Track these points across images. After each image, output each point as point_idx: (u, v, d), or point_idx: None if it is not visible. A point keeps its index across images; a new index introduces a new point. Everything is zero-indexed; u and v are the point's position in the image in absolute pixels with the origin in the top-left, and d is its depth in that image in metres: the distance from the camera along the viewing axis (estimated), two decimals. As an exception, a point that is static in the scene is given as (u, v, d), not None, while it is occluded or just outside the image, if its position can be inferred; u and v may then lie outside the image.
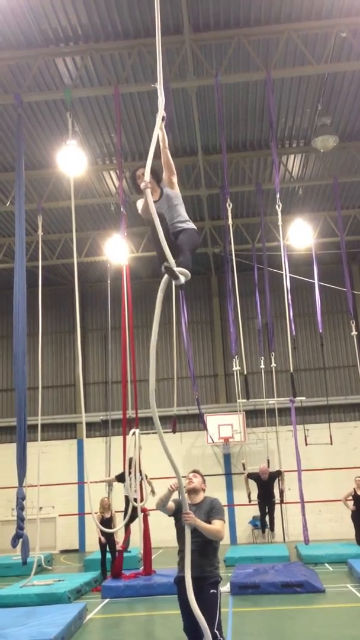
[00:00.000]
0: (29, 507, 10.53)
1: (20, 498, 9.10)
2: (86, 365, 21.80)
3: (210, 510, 5.26)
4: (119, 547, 11.89)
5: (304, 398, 18.64)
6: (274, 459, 17.97)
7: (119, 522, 12.61)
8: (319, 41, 11.77)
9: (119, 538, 12.94)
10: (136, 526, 11.93)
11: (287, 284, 13.99)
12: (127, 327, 12.19)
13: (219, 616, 5.06)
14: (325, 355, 20.08)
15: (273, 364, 16.60)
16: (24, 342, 9.84)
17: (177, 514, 5.26)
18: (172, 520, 5.39)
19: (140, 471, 11.56)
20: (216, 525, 5.16)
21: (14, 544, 9.05)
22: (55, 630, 7.39)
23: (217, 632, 4.89)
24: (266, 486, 14.85)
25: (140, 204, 5.05)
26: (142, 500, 11.74)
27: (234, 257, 14.74)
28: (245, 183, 16.77)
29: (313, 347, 21.13)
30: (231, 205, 13.68)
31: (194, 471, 5.63)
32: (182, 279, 4.45)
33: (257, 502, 15.21)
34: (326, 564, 13.38)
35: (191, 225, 5.00)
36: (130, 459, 11.33)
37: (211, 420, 19.22)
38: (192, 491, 5.43)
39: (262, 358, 17.74)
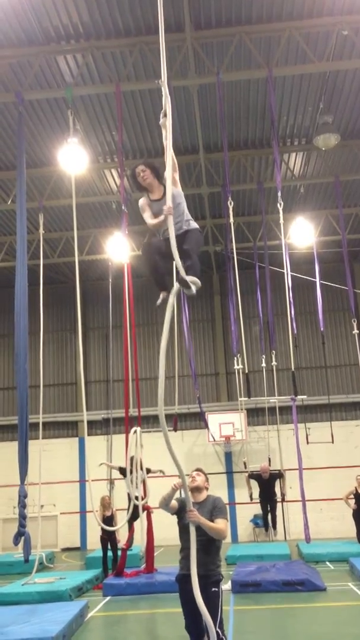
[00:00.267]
0: (30, 505, 10.56)
1: (22, 496, 9.10)
2: (87, 364, 21.79)
3: (214, 509, 5.26)
4: (123, 545, 11.89)
5: (305, 396, 18.67)
6: (275, 458, 17.97)
7: (121, 520, 12.60)
8: (321, 39, 11.75)
9: (121, 536, 12.96)
10: (137, 524, 11.92)
11: (288, 282, 14.00)
12: (129, 325, 12.20)
13: (221, 614, 5.07)
14: (326, 353, 20.06)
15: (274, 362, 16.59)
16: (25, 341, 9.83)
17: (180, 512, 5.27)
18: (173, 518, 5.40)
19: (142, 468, 11.57)
20: (220, 524, 5.17)
21: (15, 541, 9.06)
22: (56, 628, 7.39)
23: (218, 630, 4.89)
24: (267, 485, 14.87)
25: (142, 203, 5.07)
26: (143, 498, 11.74)
27: (235, 255, 14.75)
28: (246, 181, 16.76)
29: (314, 345, 21.13)
30: (232, 203, 13.68)
31: (197, 469, 5.64)
32: (194, 289, 4.58)
33: (258, 501, 15.22)
34: (327, 563, 13.38)
35: (194, 224, 5.03)
36: (132, 458, 11.33)
37: (212, 419, 19.23)
38: (195, 489, 5.44)
39: (264, 356, 17.75)
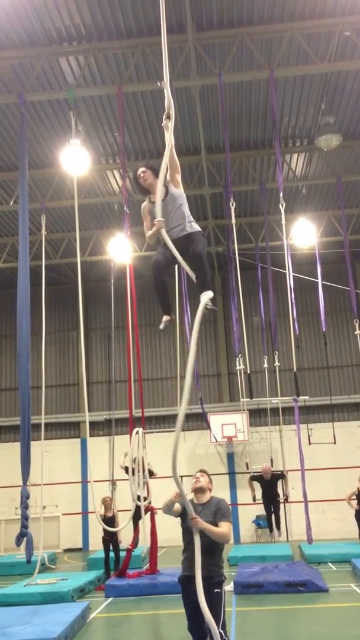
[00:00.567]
0: (32, 506, 10.55)
1: (24, 497, 9.10)
2: (89, 365, 21.81)
3: (217, 511, 5.25)
4: (128, 545, 11.89)
5: (307, 397, 18.62)
6: (278, 458, 17.98)
7: (122, 521, 12.59)
8: (322, 40, 11.75)
9: (122, 536, 12.96)
10: (141, 525, 11.92)
11: (290, 283, 13.98)
12: (132, 326, 12.21)
13: (223, 615, 5.06)
14: (328, 354, 20.07)
15: (276, 363, 16.59)
16: (27, 341, 9.83)
17: (183, 514, 5.27)
18: (176, 519, 5.40)
19: (144, 470, 11.57)
20: (223, 528, 5.16)
21: (18, 542, 9.06)
22: (58, 629, 7.40)
23: (221, 631, 4.89)
24: (270, 486, 14.86)
25: (143, 211, 5.10)
26: (145, 499, 11.74)
27: (237, 256, 14.74)
28: (248, 182, 16.76)
29: (316, 346, 21.12)
30: (234, 204, 13.68)
31: (201, 471, 5.64)
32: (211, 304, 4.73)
33: (261, 502, 15.22)
34: (330, 564, 13.37)
35: (196, 226, 5.06)
36: (134, 459, 11.34)
37: (214, 420, 19.22)
38: (199, 490, 5.44)
39: (266, 357, 17.74)
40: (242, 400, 17.22)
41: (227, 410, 20.23)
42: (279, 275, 17.13)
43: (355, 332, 15.99)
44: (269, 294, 16.50)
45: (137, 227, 17.56)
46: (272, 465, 16.24)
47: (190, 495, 5.39)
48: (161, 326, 5.04)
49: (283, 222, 12.92)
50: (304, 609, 9.17)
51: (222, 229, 18.75)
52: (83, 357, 11.17)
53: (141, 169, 5.11)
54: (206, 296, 4.72)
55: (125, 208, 12.76)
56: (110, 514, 12.83)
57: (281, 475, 14.98)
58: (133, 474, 11.24)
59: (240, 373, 17.01)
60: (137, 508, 11.22)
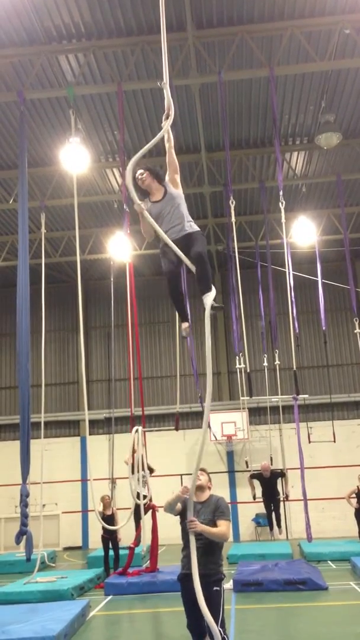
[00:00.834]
0: (32, 504, 10.56)
1: (24, 495, 9.11)
2: (89, 363, 21.82)
3: (216, 510, 5.25)
4: (130, 544, 11.90)
5: (307, 395, 18.64)
6: (277, 457, 17.99)
7: (121, 519, 12.61)
8: (323, 38, 11.74)
9: (122, 535, 12.98)
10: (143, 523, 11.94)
11: (290, 281, 13.98)
12: (132, 324, 12.21)
13: (223, 613, 5.07)
14: (328, 352, 20.07)
15: (276, 362, 16.59)
16: (27, 340, 9.84)
17: (183, 513, 5.28)
18: (176, 518, 5.40)
19: (144, 468, 11.58)
20: (222, 527, 5.15)
21: (17, 540, 9.08)
22: (58, 627, 7.40)
23: (220, 629, 4.89)
24: (270, 484, 14.86)
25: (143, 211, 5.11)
26: (148, 499, 11.74)
27: (237, 254, 14.74)
28: (248, 180, 16.75)
29: (316, 344, 21.12)
30: (234, 202, 13.68)
31: (201, 469, 5.63)
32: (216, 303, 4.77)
33: (261, 500, 15.22)
34: (329, 562, 13.38)
35: (195, 226, 5.09)
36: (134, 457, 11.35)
37: (214, 418, 19.21)
38: (199, 489, 5.44)
39: (265, 355, 17.75)
40: (242, 398, 17.22)
41: (227, 408, 20.23)
42: (279, 274, 17.13)
43: (355, 331, 15.99)
44: (269, 293, 16.49)
45: (137, 225, 17.48)
46: (271, 464, 16.23)
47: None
48: (183, 333, 5.30)
49: (283, 220, 12.91)
50: (304, 607, 9.18)
51: (222, 228, 18.74)
52: (83, 356, 11.18)
53: (139, 171, 5.11)
54: (210, 297, 4.73)
55: (125, 206, 12.75)
56: (109, 512, 12.84)
57: (281, 474, 14.98)
58: (133, 472, 11.25)
59: (240, 371, 17.01)
60: (138, 506, 11.22)
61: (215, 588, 5.05)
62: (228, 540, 5.26)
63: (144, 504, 11.50)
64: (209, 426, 18.63)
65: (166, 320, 21.80)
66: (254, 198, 17.77)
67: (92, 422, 20.77)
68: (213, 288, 4.84)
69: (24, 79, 12.18)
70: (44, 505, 14.52)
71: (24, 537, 9.02)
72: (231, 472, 20.35)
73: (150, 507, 11.95)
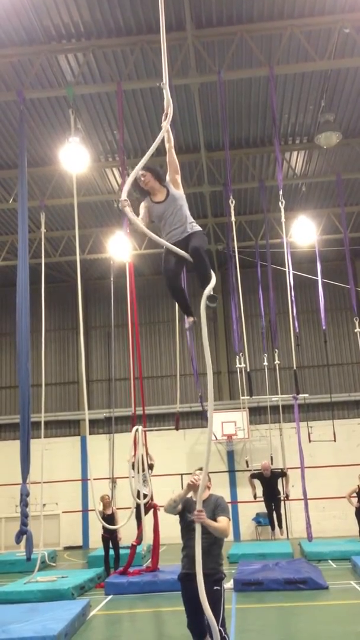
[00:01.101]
0: (32, 504, 10.56)
1: (24, 495, 9.12)
2: (89, 362, 21.82)
3: (216, 508, 5.27)
4: (133, 542, 11.91)
5: (307, 395, 18.67)
6: (278, 456, 17.98)
7: (121, 519, 12.62)
8: (322, 37, 11.73)
9: (122, 534, 12.98)
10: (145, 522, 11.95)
11: (290, 280, 13.97)
12: (132, 324, 12.21)
13: (223, 613, 5.07)
14: (328, 352, 20.07)
15: (277, 361, 16.59)
16: (27, 340, 9.84)
17: (182, 512, 5.28)
18: (176, 517, 5.40)
19: (144, 468, 11.59)
20: (223, 523, 5.17)
21: (17, 540, 9.08)
22: (58, 626, 7.40)
23: (221, 628, 4.89)
24: (270, 483, 14.85)
25: (142, 209, 5.12)
26: (149, 498, 11.74)
27: (237, 254, 14.73)
28: (248, 180, 16.75)
29: (316, 344, 21.12)
30: (234, 202, 13.68)
31: (200, 468, 5.63)
32: (216, 302, 4.75)
33: (262, 500, 15.22)
34: (330, 561, 13.38)
35: (197, 227, 5.10)
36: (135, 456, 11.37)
37: (215, 418, 19.20)
38: (197, 488, 5.44)
39: (266, 355, 17.75)
40: (242, 398, 17.22)
41: (227, 408, 20.23)
42: (279, 273, 17.12)
43: (355, 330, 15.98)
44: (269, 292, 16.49)
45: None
46: (272, 463, 16.23)
47: (190, 493, 5.39)
48: (186, 326, 5.33)
49: (283, 219, 12.91)
50: (304, 607, 9.18)
51: (221, 227, 18.74)
52: (83, 355, 11.19)
53: (141, 172, 5.11)
54: (209, 287, 4.69)
55: (124, 206, 12.72)
56: (109, 512, 12.85)
57: (282, 473, 14.98)
58: (135, 469, 11.26)
59: (240, 371, 17.01)
60: (139, 505, 11.23)
61: (215, 587, 5.06)
62: (228, 536, 5.27)
63: (145, 503, 11.51)
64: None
65: (166, 319, 21.79)
66: (253, 197, 17.76)
67: (92, 422, 20.77)
68: (213, 276, 4.79)
69: (23, 79, 12.18)
70: (44, 505, 14.51)
71: (24, 536, 9.03)
72: (231, 471, 20.36)
73: (152, 506, 11.96)
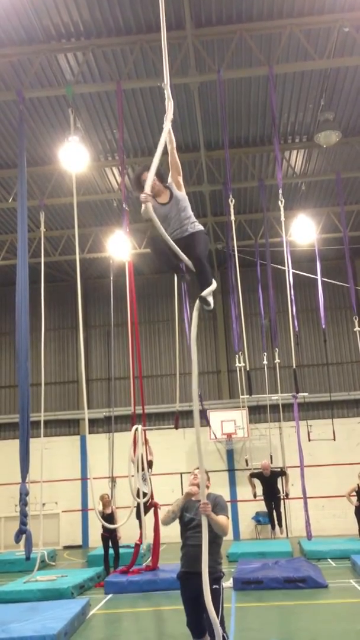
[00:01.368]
0: (32, 503, 10.59)
1: (23, 494, 9.13)
2: (89, 362, 21.83)
3: (216, 506, 5.27)
4: (136, 541, 11.92)
5: (306, 394, 18.68)
6: (277, 455, 18.00)
7: (121, 518, 12.62)
8: (322, 36, 11.72)
9: (122, 533, 12.99)
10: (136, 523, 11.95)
11: (290, 279, 13.98)
12: (132, 323, 12.22)
13: (222, 611, 5.08)
14: (328, 351, 20.08)
15: (276, 360, 16.59)
16: (26, 339, 9.84)
17: (181, 512, 5.31)
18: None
19: (144, 467, 11.59)
20: (222, 520, 5.20)
21: (17, 539, 9.09)
22: (58, 626, 7.41)
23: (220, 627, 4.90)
24: (270, 483, 14.88)
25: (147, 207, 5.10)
26: (150, 497, 11.75)
27: (236, 253, 14.74)
28: (247, 179, 16.74)
29: (316, 342, 21.13)
30: (233, 201, 13.68)
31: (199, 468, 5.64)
32: (212, 302, 4.82)
33: (262, 499, 15.24)
34: (329, 560, 13.39)
35: (199, 226, 5.11)
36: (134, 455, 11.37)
37: (214, 416, 19.24)
38: (198, 487, 5.46)
39: (265, 354, 17.75)
40: (241, 397, 17.23)
41: (227, 407, 20.25)
42: (279, 272, 17.13)
43: (355, 329, 16.01)
44: (268, 291, 16.49)
45: (136, 224, 17.57)
46: (271, 462, 16.25)
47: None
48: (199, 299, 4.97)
49: (282, 218, 12.91)
50: (304, 605, 9.19)
51: (221, 226, 18.73)
52: (82, 354, 11.19)
53: (145, 174, 5.10)
54: (208, 290, 4.76)
55: (124, 205, 12.75)
56: (109, 511, 12.85)
57: (281, 473, 15.00)
58: (135, 468, 11.26)
59: (239, 370, 17.01)
60: (139, 504, 11.23)
61: (214, 586, 5.06)
62: (227, 534, 5.29)
63: (146, 502, 11.52)
64: (208, 424, 18.67)
65: (166, 318, 21.79)
66: (253, 196, 17.76)
67: (92, 421, 20.78)
68: (214, 282, 4.90)
69: (23, 78, 12.17)
70: (43, 504, 14.53)
71: (24, 535, 9.04)
72: (231, 470, 20.37)
73: (153, 505, 11.97)
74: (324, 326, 17.65)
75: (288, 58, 12.21)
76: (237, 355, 16.53)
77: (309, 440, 18.24)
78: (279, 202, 12.56)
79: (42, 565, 13.10)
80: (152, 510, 12.07)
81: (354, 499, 14.37)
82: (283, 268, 14.60)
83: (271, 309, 16.53)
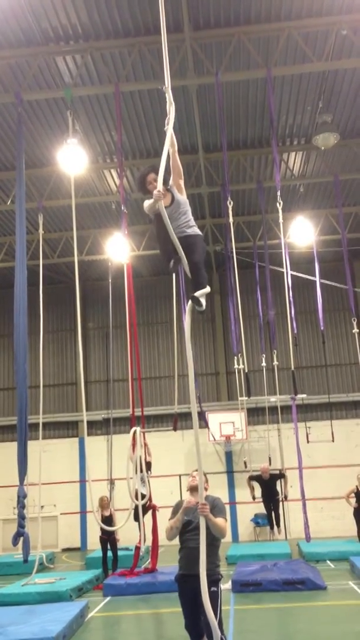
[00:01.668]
0: (30, 506, 10.57)
1: (21, 496, 9.11)
2: (87, 364, 21.81)
3: (214, 508, 5.28)
4: (136, 544, 11.91)
5: (305, 395, 18.67)
6: (276, 457, 17.98)
7: (119, 520, 12.61)
8: (320, 39, 11.75)
9: (120, 536, 12.97)
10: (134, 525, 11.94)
11: (288, 281, 13.99)
12: (130, 325, 12.22)
13: (220, 614, 5.07)
14: (326, 352, 20.08)
15: (275, 362, 16.60)
16: (25, 341, 9.84)
17: (178, 512, 5.31)
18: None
19: (142, 469, 11.58)
20: (220, 522, 5.20)
21: (14, 542, 9.06)
22: (57, 628, 7.40)
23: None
24: (269, 485, 14.88)
25: (147, 205, 5.12)
26: (148, 499, 11.73)
27: (235, 255, 14.74)
28: (246, 181, 16.76)
29: (314, 344, 21.14)
30: (232, 203, 13.68)
31: (198, 470, 5.65)
32: (204, 305, 4.83)
33: (261, 501, 15.24)
34: (328, 562, 13.39)
35: (197, 230, 5.16)
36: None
37: (213, 418, 19.23)
38: (195, 489, 5.46)
39: (264, 356, 17.75)
40: (240, 398, 17.23)
41: (225, 408, 20.24)
42: (277, 274, 17.13)
43: (353, 331, 16.03)
44: (267, 293, 16.50)
45: (134, 226, 17.58)
46: (270, 464, 16.25)
47: (186, 494, 5.42)
48: (171, 265, 4.96)
49: (281, 220, 12.93)
50: (303, 607, 9.19)
51: (219, 228, 18.75)
52: (81, 357, 11.18)
53: (152, 176, 5.14)
54: (202, 292, 4.83)
55: (122, 207, 12.75)
56: (107, 513, 12.84)
57: (280, 475, 15.00)
58: (133, 470, 11.25)
59: (238, 372, 17.01)
60: (135, 507, 11.22)
61: (212, 588, 5.06)
62: (225, 537, 5.29)
63: (144, 504, 11.51)
64: (207, 426, 18.67)
65: (164, 320, 21.80)
66: (251, 198, 17.78)
67: (91, 423, 20.75)
68: (208, 287, 4.94)
69: (21, 80, 12.18)
70: (42, 507, 14.53)
71: (22, 538, 9.02)
72: (230, 472, 20.36)
73: (151, 507, 11.96)
74: (322, 328, 17.66)
75: (286, 60, 12.24)
76: (235, 357, 16.53)
77: (308, 442, 18.24)
78: (277, 204, 12.58)
79: (40, 568, 13.08)
80: (150, 512, 12.06)
81: (353, 500, 14.36)
82: (281, 270, 14.60)
83: (269, 310, 16.52)
